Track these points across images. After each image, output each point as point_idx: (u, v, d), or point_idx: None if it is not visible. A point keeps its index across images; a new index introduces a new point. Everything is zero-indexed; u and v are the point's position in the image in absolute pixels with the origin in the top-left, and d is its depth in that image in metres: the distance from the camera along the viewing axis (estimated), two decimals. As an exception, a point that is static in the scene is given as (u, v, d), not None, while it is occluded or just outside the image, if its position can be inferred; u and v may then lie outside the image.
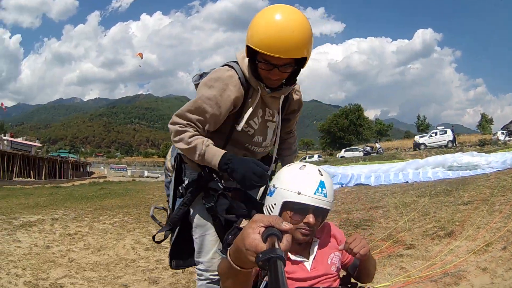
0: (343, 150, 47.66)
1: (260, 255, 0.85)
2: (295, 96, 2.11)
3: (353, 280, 1.79)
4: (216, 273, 1.91)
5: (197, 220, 2.00)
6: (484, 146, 26.08)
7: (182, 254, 2.14)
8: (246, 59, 1.84)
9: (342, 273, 1.74)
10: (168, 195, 2.21)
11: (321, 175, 1.64)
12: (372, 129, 73.33)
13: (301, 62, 1.78)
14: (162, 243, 2.16)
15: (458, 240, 4.68)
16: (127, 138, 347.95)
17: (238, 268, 1.05)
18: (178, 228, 2.05)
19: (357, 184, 11.35)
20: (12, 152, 37.06)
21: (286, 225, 0.97)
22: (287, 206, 1.61)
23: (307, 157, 47.63)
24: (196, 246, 2.03)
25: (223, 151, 1.80)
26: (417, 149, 33.53)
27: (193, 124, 1.83)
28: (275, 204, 1.63)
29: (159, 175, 44.77)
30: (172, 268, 2.22)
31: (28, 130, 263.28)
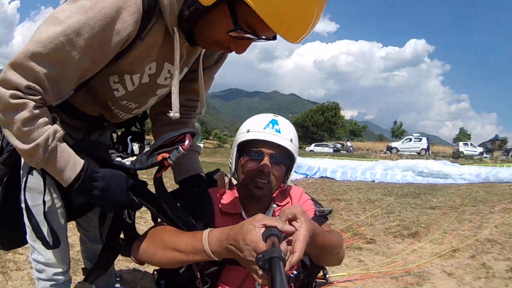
0: (313, 144, 47.85)
1: (261, 255, 0.86)
2: None
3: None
4: (62, 269, 1.46)
5: (34, 180, 1.33)
6: (458, 158, 26.20)
7: (7, 226, 1.49)
8: None
9: None
10: None
11: (276, 116, 1.54)
12: (346, 128, 74.49)
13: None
14: None
15: (423, 242, 4.45)
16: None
17: (212, 255, 1.08)
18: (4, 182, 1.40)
19: (322, 177, 11.11)
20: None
21: (288, 227, 1.00)
22: (241, 150, 1.51)
23: None
24: (29, 223, 1.36)
25: (81, 163, 1.15)
26: (388, 152, 33.65)
27: (37, 86, 1.06)
28: (233, 154, 1.53)
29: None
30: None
31: None
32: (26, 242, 1.48)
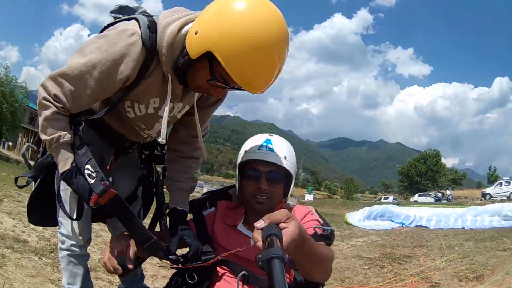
0: (416, 194, 46.14)
1: (260, 255, 0.84)
2: None
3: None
4: (79, 243, 1.72)
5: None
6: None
7: (44, 208, 1.79)
8: (172, 31, 1.40)
9: None
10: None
11: (270, 136, 1.65)
12: (448, 177, 71.15)
13: None
14: None
15: (484, 284, 4.38)
16: (210, 157, 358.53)
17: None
18: (42, 176, 1.73)
19: (416, 226, 10.90)
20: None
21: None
22: (242, 172, 1.64)
23: (382, 198, 47.29)
24: (58, 202, 1.66)
25: (70, 162, 1.44)
26: (483, 199, 31.47)
27: (62, 97, 1.43)
28: (236, 174, 1.67)
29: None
30: (30, 223, 1.97)
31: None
32: (55, 224, 1.78)
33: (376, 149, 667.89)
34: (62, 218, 1.71)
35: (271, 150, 1.58)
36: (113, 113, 1.60)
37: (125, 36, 1.38)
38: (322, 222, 1.59)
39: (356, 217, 12.17)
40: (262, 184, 1.54)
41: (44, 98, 1.43)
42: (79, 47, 1.48)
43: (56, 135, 1.43)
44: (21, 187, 1.79)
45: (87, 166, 1.40)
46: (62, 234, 1.73)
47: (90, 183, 1.36)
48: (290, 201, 1.76)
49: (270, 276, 0.79)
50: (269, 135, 1.66)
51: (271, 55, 1.25)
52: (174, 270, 1.59)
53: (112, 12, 1.70)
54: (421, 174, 69.42)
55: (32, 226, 4.68)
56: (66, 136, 1.45)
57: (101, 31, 1.55)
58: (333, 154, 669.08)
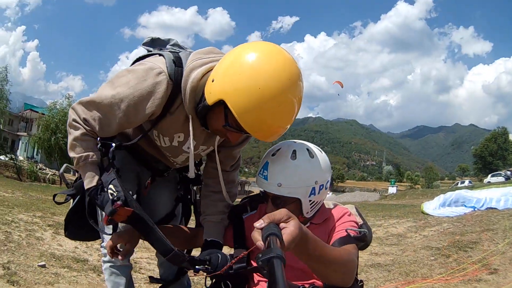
0: (489, 175, 44.34)
1: (260, 255, 0.83)
2: None
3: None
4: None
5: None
6: None
7: (81, 224, 1.77)
8: (196, 76, 1.46)
9: None
10: None
11: (273, 155, 1.55)
12: None
13: None
14: None
15: None
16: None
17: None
18: (81, 193, 1.72)
19: (487, 208, 10.34)
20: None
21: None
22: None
23: (459, 183, 45.74)
24: (100, 217, 1.76)
25: (96, 180, 1.51)
26: None
27: (91, 122, 1.52)
28: None
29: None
30: (66, 237, 1.93)
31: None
32: (92, 238, 1.93)
33: (452, 133, 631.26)
34: (104, 229, 1.73)
35: (265, 178, 1.52)
36: (146, 140, 1.72)
37: (153, 75, 1.45)
38: (361, 223, 1.59)
39: (432, 206, 11.76)
40: (268, 208, 1.54)
41: (74, 120, 1.53)
42: (110, 78, 1.57)
43: (85, 154, 1.51)
44: (59, 203, 1.77)
45: (110, 185, 1.45)
46: (103, 247, 1.80)
47: (107, 201, 1.43)
48: (329, 200, 1.73)
49: (270, 275, 0.78)
50: (272, 155, 1.56)
51: (282, 104, 1.30)
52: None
53: (144, 44, 1.79)
54: (493, 154, 67.47)
55: (95, 246, 5.14)
56: (94, 156, 1.53)
57: (133, 63, 1.64)
58: (413, 144, 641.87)
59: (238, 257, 1.24)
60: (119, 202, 1.38)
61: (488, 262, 4.97)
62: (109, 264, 1.82)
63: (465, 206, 10.86)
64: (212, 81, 1.37)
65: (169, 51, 1.58)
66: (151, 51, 1.69)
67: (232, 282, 1.54)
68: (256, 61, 1.28)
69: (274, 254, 0.81)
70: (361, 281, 1.63)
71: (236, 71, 1.30)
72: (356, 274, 1.54)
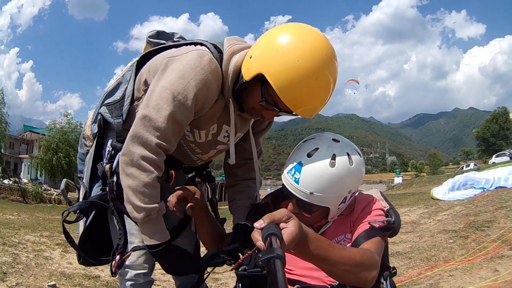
0: (493, 156, 44.68)
1: (260, 255, 0.83)
2: None
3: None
4: (144, 271, 1.65)
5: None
6: None
7: (95, 247, 1.70)
8: (238, 60, 1.45)
9: None
10: (81, 171, 1.79)
11: (308, 156, 1.39)
12: None
13: None
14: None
15: None
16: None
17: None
18: (93, 212, 1.64)
19: (496, 188, 10.37)
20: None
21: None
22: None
23: (464, 167, 45.62)
24: (114, 234, 1.66)
25: (167, 237, 1.46)
26: None
27: (166, 143, 1.40)
28: None
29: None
30: (80, 264, 1.83)
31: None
32: (105, 262, 1.73)
33: (453, 118, 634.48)
34: (134, 238, 1.63)
35: (297, 181, 1.38)
36: None
37: (206, 61, 1.40)
38: (387, 208, 1.56)
39: (441, 191, 11.76)
40: (291, 207, 1.46)
41: (143, 158, 1.36)
42: (154, 81, 1.45)
43: (153, 206, 1.39)
44: (69, 222, 1.63)
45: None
46: (135, 248, 1.62)
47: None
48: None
49: (270, 276, 0.78)
50: (307, 155, 1.40)
51: (319, 79, 1.30)
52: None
53: (150, 37, 1.73)
54: (495, 135, 68.55)
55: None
56: (163, 207, 1.43)
57: (142, 58, 1.63)
58: (415, 132, 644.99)
59: (242, 258, 1.21)
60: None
61: (507, 238, 4.95)
62: (131, 282, 1.66)
63: (474, 188, 10.87)
64: (250, 57, 1.37)
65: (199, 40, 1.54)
66: (160, 43, 1.66)
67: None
68: (293, 38, 1.30)
69: (274, 254, 0.81)
70: (394, 268, 1.58)
71: (274, 47, 1.31)
72: (388, 262, 1.58)
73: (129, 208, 1.40)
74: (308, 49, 1.28)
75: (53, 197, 29.29)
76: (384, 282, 1.47)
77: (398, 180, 50.24)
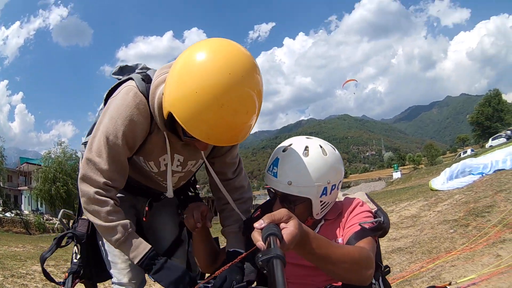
0: (490, 139, 44.22)
1: (260, 255, 0.83)
2: None
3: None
4: (134, 281, 1.73)
5: None
6: None
7: (90, 268, 1.80)
8: (160, 92, 1.40)
9: None
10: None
11: (284, 151, 1.47)
12: None
13: None
14: None
15: None
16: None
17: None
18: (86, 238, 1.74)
19: (495, 171, 10.23)
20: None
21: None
22: None
23: (462, 153, 45.40)
24: (105, 255, 1.76)
25: (148, 246, 1.48)
26: None
27: (111, 181, 1.45)
28: None
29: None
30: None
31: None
32: (106, 279, 1.85)
33: (446, 107, 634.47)
34: (113, 269, 1.73)
35: (275, 175, 1.44)
36: (136, 169, 1.66)
37: (131, 97, 1.43)
38: (374, 209, 1.56)
39: (440, 181, 11.70)
40: (276, 207, 1.48)
41: (97, 193, 1.43)
42: (95, 127, 1.51)
43: (123, 222, 1.46)
44: (61, 246, 1.74)
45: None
46: (114, 282, 1.74)
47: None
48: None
49: (270, 276, 0.78)
50: (283, 150, 1.48)
51: (225, 107, 1.17)
52: None
53: (114, 74, 1.76)
54: (489, 118, 68.08)
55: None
56: (130, 222, 1.49)
57: (107, 96, 1.62)
58: (409, 125, 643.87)
59: (233, 261, 1.17)
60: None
61: (509, 222, 4.95)
62: None
63: (473, 174, 10.79)
64: (162, 94, 1.36)
65: (136, 73, 1.57)
66: (120, 79, 1.63)
67: None
68: (191, 68, 1.21)
69: (274, 254, 0.81)
70: (387, 266, 1.59)
71: (174, 80, 1.25)
72: (381, 262, 1.55)
73: (105, 237, 1.50)
74: (206, 77, 1.16)
75: (55, 226, 29.10)
76: (376, 283, 1.48)
77: (396, 175, 50.05)
